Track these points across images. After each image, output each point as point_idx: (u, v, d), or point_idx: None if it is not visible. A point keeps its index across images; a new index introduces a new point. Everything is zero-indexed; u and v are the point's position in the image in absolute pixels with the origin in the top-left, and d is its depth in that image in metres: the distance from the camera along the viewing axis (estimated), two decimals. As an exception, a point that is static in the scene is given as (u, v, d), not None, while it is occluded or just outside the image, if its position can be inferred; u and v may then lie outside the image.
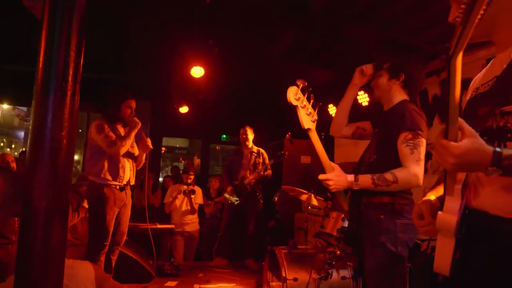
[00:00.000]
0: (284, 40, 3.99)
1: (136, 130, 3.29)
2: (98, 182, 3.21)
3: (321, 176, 1.86)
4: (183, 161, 8.78)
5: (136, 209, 5.72)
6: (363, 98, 4.96)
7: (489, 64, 1.21)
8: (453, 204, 1.01)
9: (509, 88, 1.03)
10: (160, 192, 5.95)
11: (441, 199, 1.06)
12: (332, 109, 5.77)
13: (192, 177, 5.14)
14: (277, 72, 5.30)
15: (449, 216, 1.01)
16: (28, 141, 1.42)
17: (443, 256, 1.02)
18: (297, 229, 5.02)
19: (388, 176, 1.82)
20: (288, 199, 4.96)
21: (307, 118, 1.87)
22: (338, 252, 2.92)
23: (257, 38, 4.22)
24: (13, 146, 18.03)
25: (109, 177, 3.23)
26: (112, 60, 5.44)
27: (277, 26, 3.83)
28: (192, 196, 5.02)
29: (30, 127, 1.39)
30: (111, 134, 3.23)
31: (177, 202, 5.06)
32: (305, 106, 1.85)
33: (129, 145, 3.26)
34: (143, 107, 7.69)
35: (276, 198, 5.22)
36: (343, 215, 2.89)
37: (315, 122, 1.93)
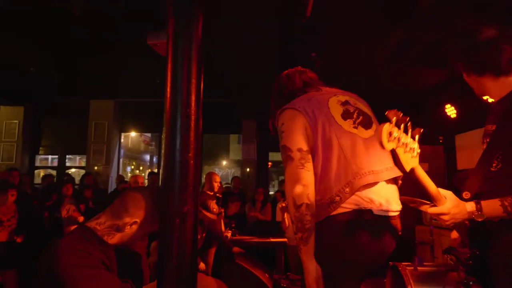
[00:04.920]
0: (390, 43, 3.79)
1: None
2: None
3: (432, 210, 1.46)
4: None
5: (249, 223, 5.97)
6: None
7: None
8: None
9: None
10: (269, 206, 6.07)
11: None
12: (449, 109, 5.27)
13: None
14: (386, 76, 5.04)
15: None
16: (162, 163, 1.58)
17: None
18: (419, 243, 4.62)
19: None
20: (406, 211, 4.61)
21: (407, 158, 1.41)
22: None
23: (361, 44, 4.09)
24: (140, 168, 20.50)
25: None
26: (222, 85, 5.85)
27: (382, 29, 3.67)
28: None
29: (163, 151, 1.55)
30: None
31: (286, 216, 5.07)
32: (403, 144, 1.38)
33: None
34: (249, 126, 8.12)
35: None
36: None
37: (418, 155, 1.44)
